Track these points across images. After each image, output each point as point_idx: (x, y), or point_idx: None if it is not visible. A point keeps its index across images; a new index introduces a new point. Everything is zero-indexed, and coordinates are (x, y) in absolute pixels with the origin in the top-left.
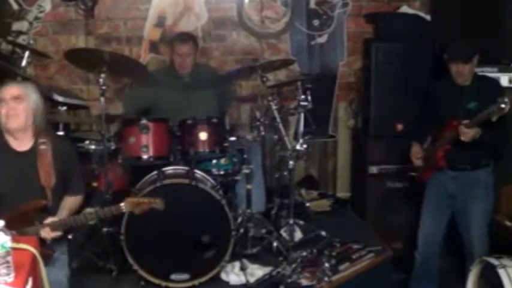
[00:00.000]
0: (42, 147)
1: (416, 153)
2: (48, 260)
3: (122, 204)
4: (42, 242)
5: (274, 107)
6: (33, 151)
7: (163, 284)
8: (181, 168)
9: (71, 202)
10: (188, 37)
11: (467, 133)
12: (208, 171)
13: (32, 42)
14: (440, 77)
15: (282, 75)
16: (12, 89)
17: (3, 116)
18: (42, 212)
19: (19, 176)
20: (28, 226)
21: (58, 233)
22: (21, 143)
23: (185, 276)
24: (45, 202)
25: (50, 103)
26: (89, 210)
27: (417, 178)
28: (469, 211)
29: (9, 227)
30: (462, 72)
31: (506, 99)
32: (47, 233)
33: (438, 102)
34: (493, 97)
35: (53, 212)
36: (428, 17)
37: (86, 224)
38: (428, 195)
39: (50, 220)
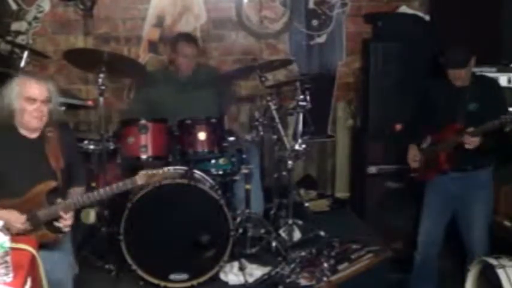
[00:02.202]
0: (50, 134)
1: (414, 156)
2: (55, 243)
3: (136, 177)
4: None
5: (273, 107)
6: (42, 138)
7: (162, 284)
8: (180, 168)
9: (76, 193)
10: (193, 38)
11: (473, 142)
12: (207, 171)
13: (30, 42)
14: (438, 76)
15: (280, 75)
16: (43, 90)
17: (30, 115)
18: (53, 193)
19: (29, 161)
20: (39, 208)
21: (71, 214)
22: (32, 132)
23: (184, 276)
24: (56, 183)
25: None
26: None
27: (417, 178)
28: (471, 212)
29: (20, 210)
30: (459, 76)
31: None
32: (64, 213)
33: (437, 103)
34: (493, 97)
35: (62, 194)
36: (427, 17)
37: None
38: (429, 195)
39: (61, 200)
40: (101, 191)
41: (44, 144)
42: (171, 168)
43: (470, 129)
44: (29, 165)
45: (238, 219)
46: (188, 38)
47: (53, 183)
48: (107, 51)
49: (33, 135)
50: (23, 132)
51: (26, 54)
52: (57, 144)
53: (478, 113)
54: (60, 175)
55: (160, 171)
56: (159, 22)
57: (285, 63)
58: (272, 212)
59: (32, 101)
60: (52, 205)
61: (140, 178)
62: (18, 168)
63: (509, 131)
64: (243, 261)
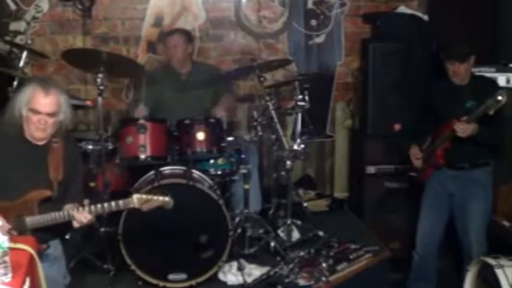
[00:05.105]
0: (55, 144)
1: (416, 154)
2: (42, 256)
3: (130, 199)
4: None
5: (271, 107)
6: (46, 146)
7: (161, 284)
8: (178, 168)
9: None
10: (176, 30)
11: (466, 129)
12: (205, 171)
13: (29, 42)
14: (438, 76)
15: (279, 75)
16: (51, 104)
17: (34, 125)
18: (46, 203)
19: (29, 167)
20: (28, 214)
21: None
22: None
23: (183, 276)
24: (50, 193)
25: None
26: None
27: (417, 178)
28: (468, 211)
29: (9, 213)
30: (458, 71)
31: (503, 92)
32: (83, 216)
33: (437, 102)
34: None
35: (56, 205)
36: (426, 17)
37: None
38: (427, 194)
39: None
40: (92, 207)
41: (47, 153)
42: (167, 199)
43: (464, 118)
44: (28, 171)
45: (237, 219)
46: (173, 30)
47: (47, 193)
48: (105, 51)
49: (38, 142)
50: (29, 137)
51: (24, 54)
52: (60, 156)
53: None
54: (57, 186)
55: (155, 197)
56: (158, 22)
57: (283, 63)
58: (271, 212)
59: (36, 112)
60: (42, 214)
61: (133, 202)
62: (17, 171)
63: (494, 118)
64: (242, 261)
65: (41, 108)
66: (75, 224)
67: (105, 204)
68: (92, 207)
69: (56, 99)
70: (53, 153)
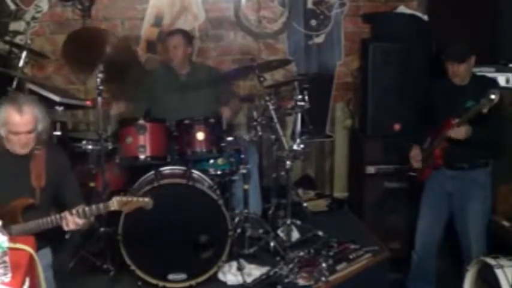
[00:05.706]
0: (37, 152)
1: (416, 155)
2: None
3: (110, 202)
4: None
5: (271, 107)
6: (28, 155)
7: (161, 284)
8: (178, 168)
9: None
10: (176, 30)
11: (458, 131)
12: (205, 171)
13: (29, 42)
14: (438, 76)
15: (279, 75)
16: (26, 123)
17: (15, 144)
18: (28, 209)
19: (12, 176)
20: (12, 223)
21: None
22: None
23: (182, 276)
24: (32, 200)
25: (47, 103)
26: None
27: (416, 178)
28: (467, 211)
29: None
30: (457, 72)
31: (496, 91)
32: (72, 222)
33: (437, 102)
34: None
35: (40, 212)
36: (425, 17)
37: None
38: (426, 194)
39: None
40: (73, 211)
41: (29, 161)
42: (147, 200)
43: (456, 120)
44: (10, 180)
45: (237, 219)
46: (171, 31)
47: (29, 200)
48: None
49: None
50: (11, 150)
51: (24, 54)
52: (42, 163)
53: None
54: (39, 193)
55: (134, 198)
56: (158, 22)
57: (283, 63)
58: (270, 212)
59: (15, 134)
60: (27, 222)
61: (114, 204)
62: (3, 182)
63: (490, 118)
64: (242, 261)
65: (19, 129)
66: (65, 228)
67: (86, 208)
68: (74, 211)
69: (31, 115)
70: (35, 160)
